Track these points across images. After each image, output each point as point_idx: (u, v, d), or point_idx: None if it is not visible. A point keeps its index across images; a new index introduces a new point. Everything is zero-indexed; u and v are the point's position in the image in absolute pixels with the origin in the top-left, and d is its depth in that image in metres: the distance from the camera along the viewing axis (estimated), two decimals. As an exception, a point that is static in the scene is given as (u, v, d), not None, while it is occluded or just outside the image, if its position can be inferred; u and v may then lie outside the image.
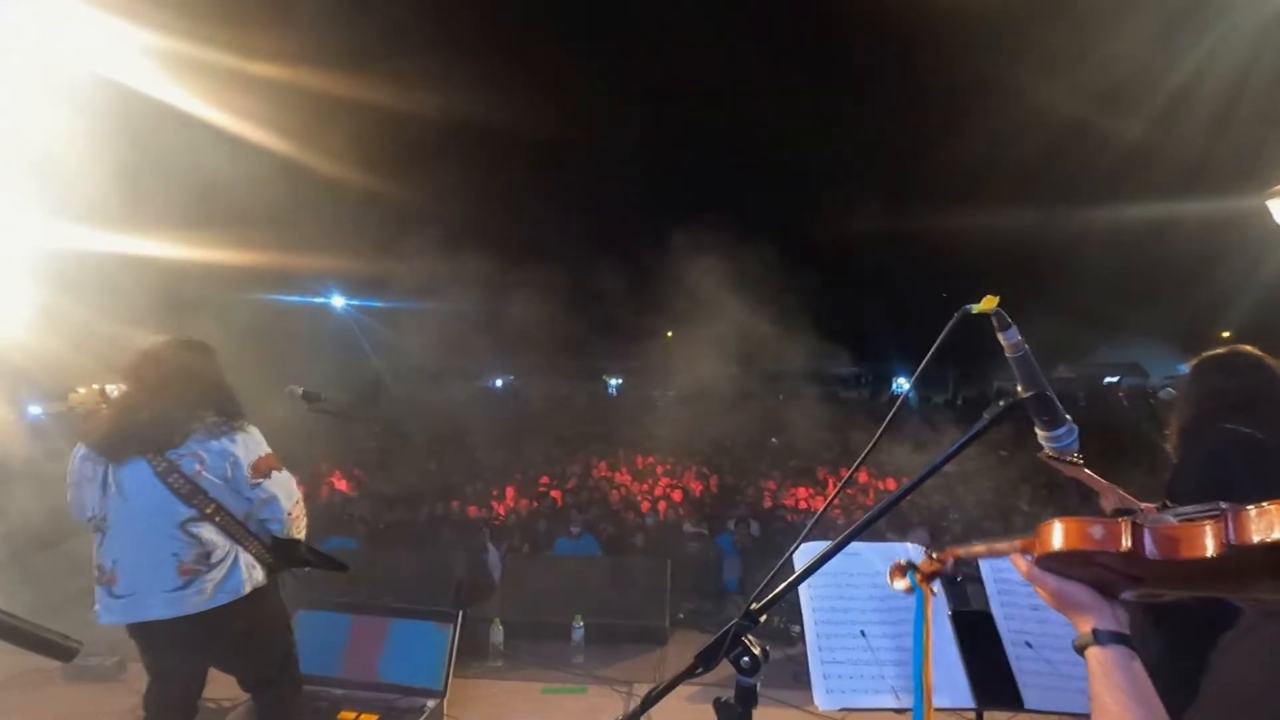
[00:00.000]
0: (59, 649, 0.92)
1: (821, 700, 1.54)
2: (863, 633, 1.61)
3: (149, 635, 2.39)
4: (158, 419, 2.35)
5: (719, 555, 7.12)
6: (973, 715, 1.63)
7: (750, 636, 1.22)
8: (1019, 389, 1.08)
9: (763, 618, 1.22)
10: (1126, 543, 0.83)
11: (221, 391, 2.50)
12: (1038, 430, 1.08)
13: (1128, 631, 0.96)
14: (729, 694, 1.28)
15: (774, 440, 16.32)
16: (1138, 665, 0.94)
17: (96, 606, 2.36)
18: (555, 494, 9.53)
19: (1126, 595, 0.95)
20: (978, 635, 1.63)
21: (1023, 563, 1.02)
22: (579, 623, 4.17)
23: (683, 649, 4.32)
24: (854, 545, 1.75)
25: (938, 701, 1.55)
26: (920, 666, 1.21)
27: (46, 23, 6.45)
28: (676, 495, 9.62)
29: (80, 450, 2.41)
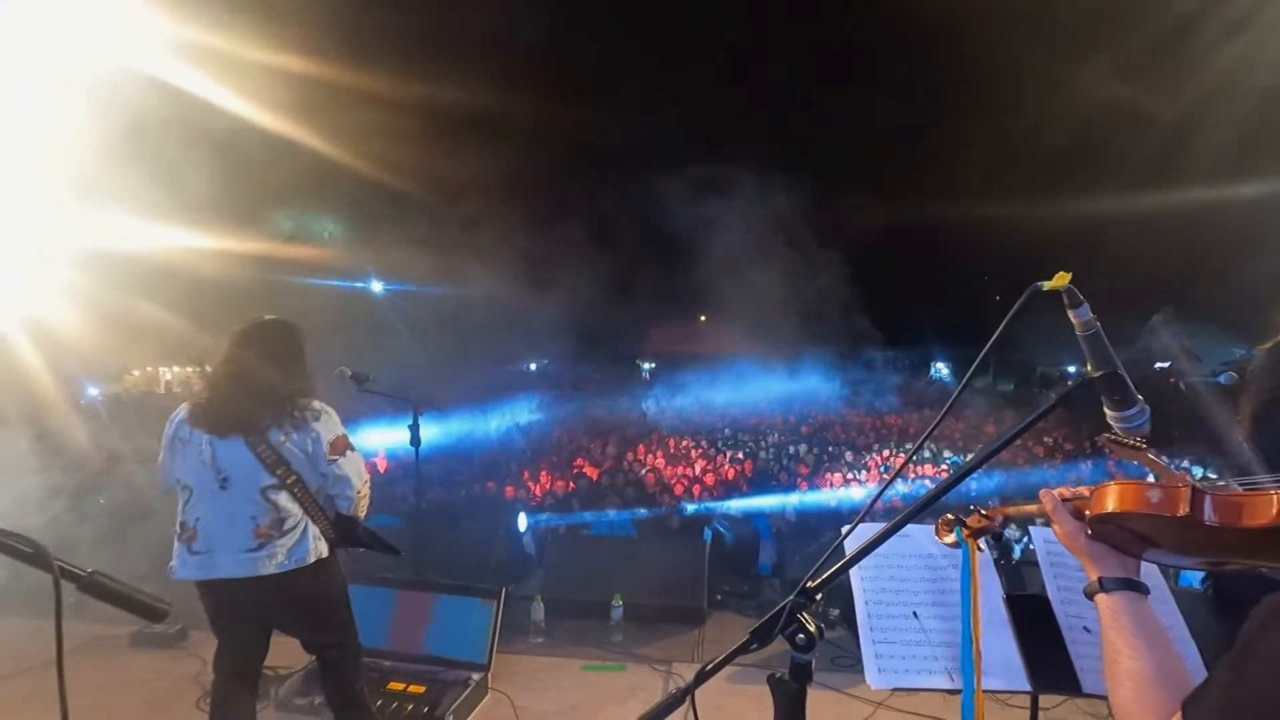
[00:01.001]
0: (151, 610, 0.97)
1: (874, 680, 1.54)
2: (915, 614, 1.60)
3: (218, 594, 2.51)
4: (246, 403, 2.49)
5: (755, 538, 7.13)
6: (1028, 699, 1.62)
7: (806, 614, 1.23)
8: (1088, 368, 1.05)
9: (819, 595, 1.23)
10: (1184, 509, 0.84)
11: (300, 372, 2.61)
12: (1107, 411, 1.06)
13: (1136, 577, 0.99)
14: (783, 670, 1.29)
15: (806, 424, 16.18)
16: (1147, 608, 0.97)
17: (173, 563, 2.50)
18: (591, 471, 9.63)
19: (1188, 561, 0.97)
20: (1034, 619, 1.61)
21: (1049, 499, 1.07)
22: (618, 602, 4.23)
23: (720, 630, 4.36)
24: (907, 527, 1.74)
25: (993, 684, 1.53)
26: (969, 624, 1.21)
27: (96, 21, 6.64)
28: (710, 479, 9.64)
29: (180, 415, 2.56)
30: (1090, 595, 1.01)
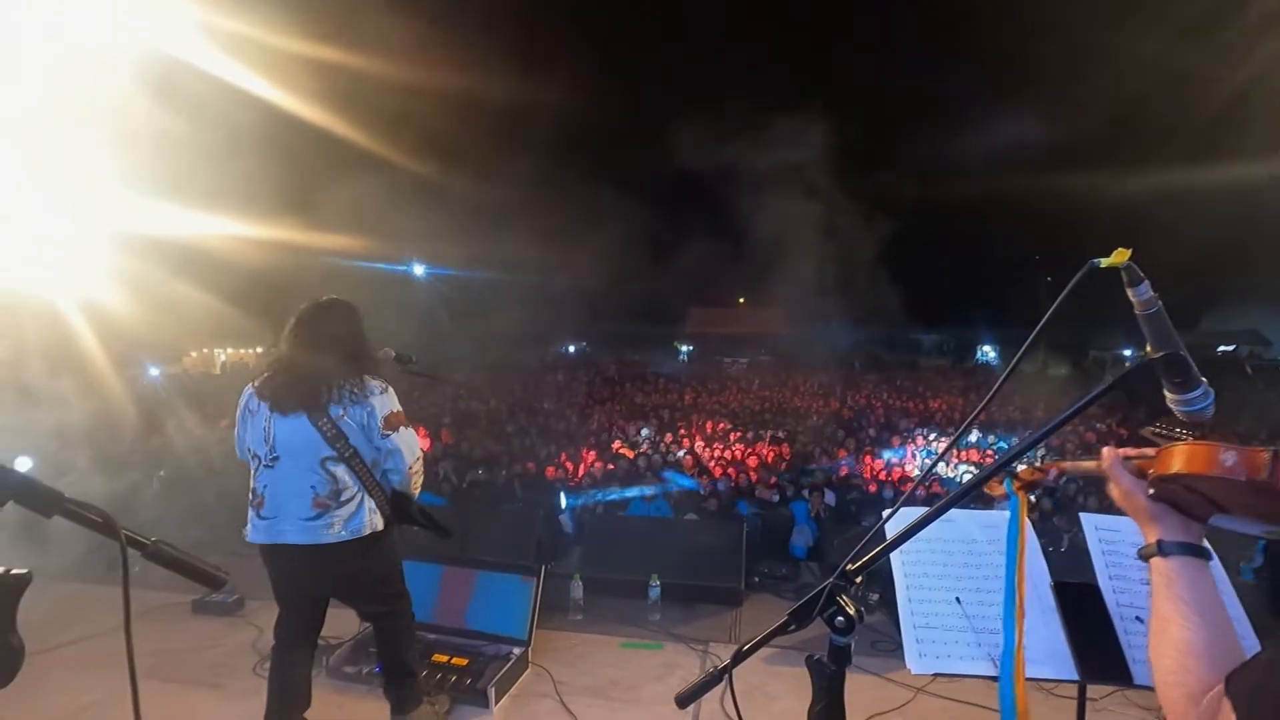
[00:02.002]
0: (210, 577, 1.02)
1: (915, 665, 1.52)
2: (958, 599, 1.57)
3: (281, 561, 2.64)
4: (309, 379, 2.60)
5: (791, 521, 7.11)
6: (1075, 689, 1.58)
7: (845, 596, 1.22)
8: (1148, 349, 1.01)
9: (858, 579, 1.22)
10: (1263, 473, 0.79)
11: (360, 350, 2.72)
12: (1168, 394, 1.01)
13: (1199, 542, 0.94)
14: (821, 653, 1.29)
15: (846, 405, 15.97)
16: (1207, 576, 0.92)
17: (247, 527, 2.64)
18: (628, 452, 9.70)
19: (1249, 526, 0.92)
20: (1084, 608, 1.56)
21: (1108, 454, 1.02)
22: (655, 582, 4.26)
23: (757, 612, 4.36)
24: (951, 511, 1.70)
25: (1040, 673, 1.50)
26: (1014, 577, 1.18)
27: (151, 13, 6.84)
28: (751, 461, 9.61)
29: (249, 390, 2.70)
30: (1146, 558, 0.96)
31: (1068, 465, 1.18)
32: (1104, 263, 0.96)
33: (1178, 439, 0.99)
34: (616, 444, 11.13)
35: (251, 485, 2.66)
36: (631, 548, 4.68)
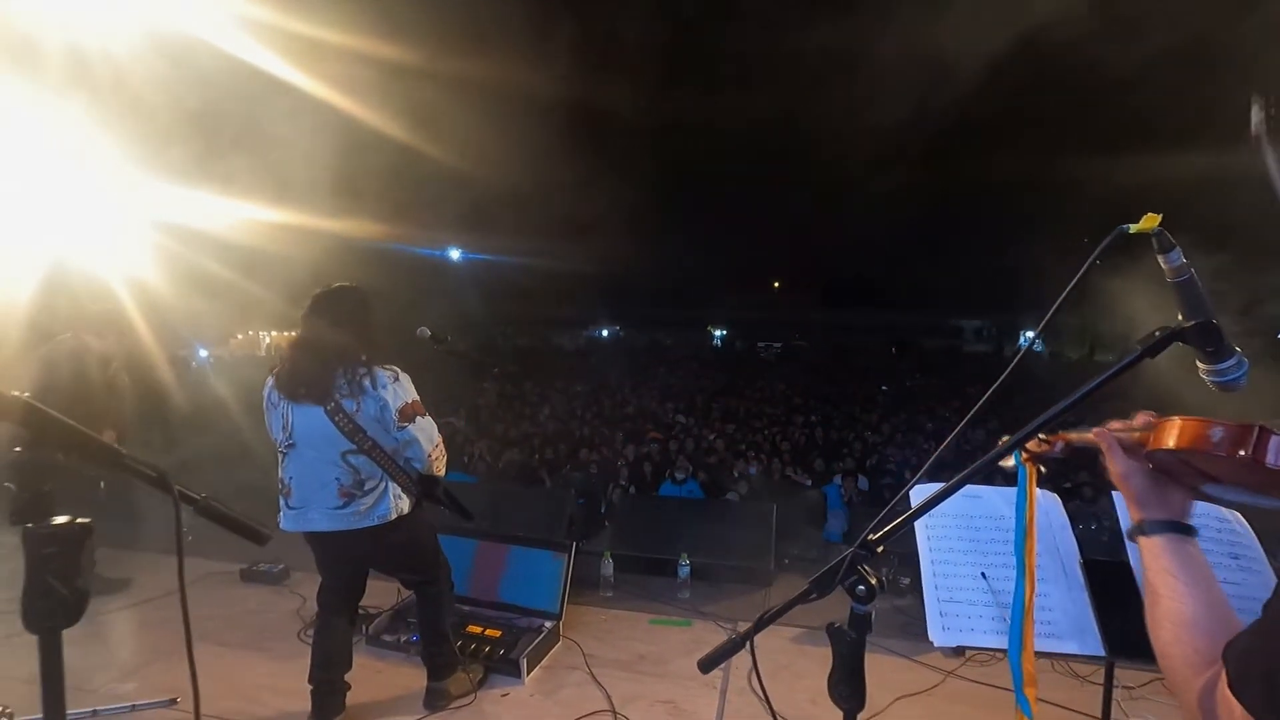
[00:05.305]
0: (255, 534, 1.08)
1: (937, 637, 1.53)
2: (983, 574, 1.57)
3: (317, 542, 2.77)
4: (316, 373, 2.59)
5: (822, 504, 7.08)
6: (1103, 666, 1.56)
7: (866, 566, 1.23)
8: (1179, 318, 0.99)
9: (879, 549, 1.22)
10: (1246, 450, 0.80)
11: (368, 339, 2.66)
12: (1200, 364, 0.99)
13: (1182, 519, 0.96)
14: (842, 621, 1.30)
15: (884, 388, 15.75)
16: (1193, 549, 0.94)
17: (279, 515, 2.72)
18: (657, 436, 9.74)
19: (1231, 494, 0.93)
20: (1114, 586, 1.54)
21: (1104, 438, 1.03)
22: (685, 561, 4.31)
23: (786, 592, 4.34)
24: (978, 488, 1.69)
25: (1065, 647, 1.49)
26: (1023, 545, 1.19)
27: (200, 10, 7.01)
28: (782, 445, 9.57)
29: (269, 383, 2.75)
30: (1132, 537, 0.99)
31: (1073, 436, 1.16)
32: (1133, 228, 0.95)
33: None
34: (647, 427, 11.19)
35: (279, 475, 2.71)
36: (662, 527, 4.73)
